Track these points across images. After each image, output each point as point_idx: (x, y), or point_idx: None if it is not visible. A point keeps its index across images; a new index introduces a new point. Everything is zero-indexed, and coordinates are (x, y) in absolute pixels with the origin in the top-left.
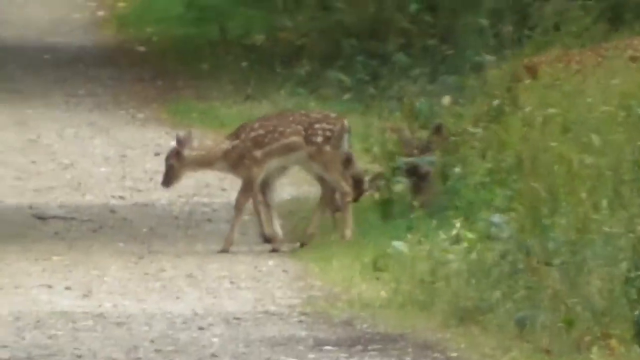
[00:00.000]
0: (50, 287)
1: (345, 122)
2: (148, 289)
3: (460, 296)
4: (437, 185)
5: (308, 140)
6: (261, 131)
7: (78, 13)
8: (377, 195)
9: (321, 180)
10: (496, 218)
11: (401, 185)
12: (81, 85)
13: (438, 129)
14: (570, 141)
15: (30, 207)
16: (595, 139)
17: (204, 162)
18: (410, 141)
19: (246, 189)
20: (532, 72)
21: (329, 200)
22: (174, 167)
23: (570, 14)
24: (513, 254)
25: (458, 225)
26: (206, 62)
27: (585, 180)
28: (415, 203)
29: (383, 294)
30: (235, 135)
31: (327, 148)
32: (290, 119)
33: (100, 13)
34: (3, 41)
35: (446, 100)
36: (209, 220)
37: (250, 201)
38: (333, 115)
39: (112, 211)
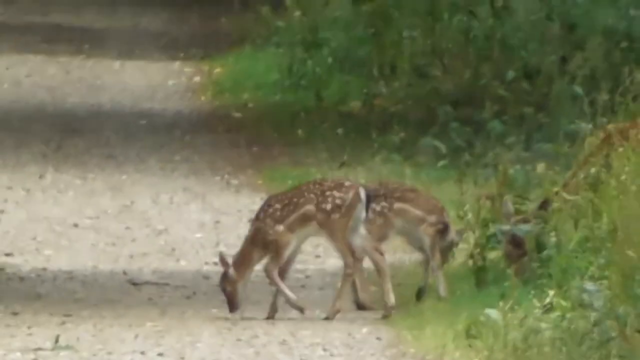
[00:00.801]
0: (143, 353)
1: (361, 190)
2: (241, 356)
3: None
4: (532, 254)
5: (319, 208)
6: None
7: (174, 79)
8: (470, 262)
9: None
10: (589, 286)
11: (495, 252)
12: (177, 151)
13: (544, 204)
14: None
15: (124, 273)
16: None
17: (245, 264)
18: (510, 214)
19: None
20: (624, 136)
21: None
22: (228, 290)
23: None
24: (605, 323)
25: (551, 293)
26: (302, 129)
27: None
28: (509, 271)
29: None
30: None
31: (336, 216)
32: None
33: (197, 79)
34: (99, 107)
35: (541, 167)
36: (303, 286)
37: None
38: (347, 183)
39: (206, 277)
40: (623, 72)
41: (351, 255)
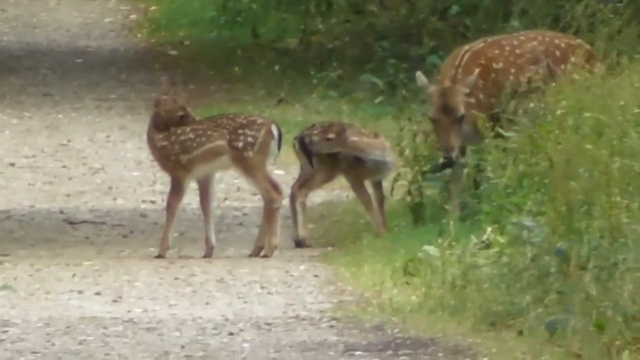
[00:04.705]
0: (80, 292)
1: (274, 127)
2: (178, 294)
3: (491, 301)
4: (469, 190)
5: (231, 145)
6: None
7: (110, 17)
8: (408, 199)
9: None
10: (527, 222)
11: (432, 189)
12: (113, 90)
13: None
14: (603, 144)
15: (61, 212)
16: (630, 140)
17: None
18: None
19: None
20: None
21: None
22: None
23: (601, 16)
24: (544, 258)
25: (489, 229)
26: (238, 66)
27: (618, 183)
28: (447, 207)
29: (414, 298)
30: None
31: (250, 154)
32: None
33: (133, 17)
34: (35, 45)
35: None
36: (240, 224)
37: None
38: (259, 120)
39: (143, 216)
40: (564, 7)
41: (274, 190)
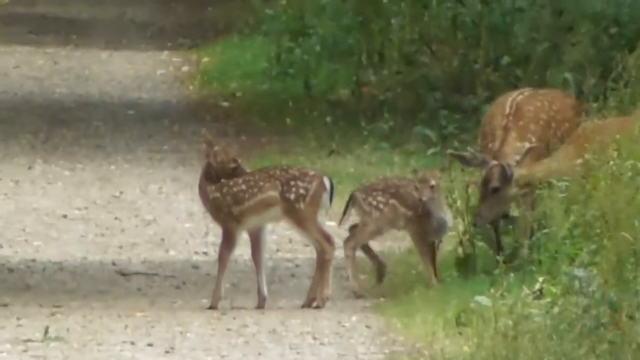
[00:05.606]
0: (133, 343)
1: (325, 180)
2: (231, 345)
3: (543, 351)
4: (522, 240)
5: (283, 197)
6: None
7: (162, 69)
8: (459, 250)
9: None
10: (580, 272)
11: (484, 240)
12: (165, 141)
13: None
14: None
15: (114, 264)
16: None
17: None
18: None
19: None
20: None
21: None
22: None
23: None
24: (596, 308)
25: (541, 280)
26: (290, 118)
27: None
28: (499, 258)
29: (466, 349)
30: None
31: (302, 205)
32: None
33: (185, 69)
34: (87, 97)
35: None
36: (292, 275)
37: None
38: (311, 172)
39: (195, 267)
40: (615, 58)
41: (326, 241)
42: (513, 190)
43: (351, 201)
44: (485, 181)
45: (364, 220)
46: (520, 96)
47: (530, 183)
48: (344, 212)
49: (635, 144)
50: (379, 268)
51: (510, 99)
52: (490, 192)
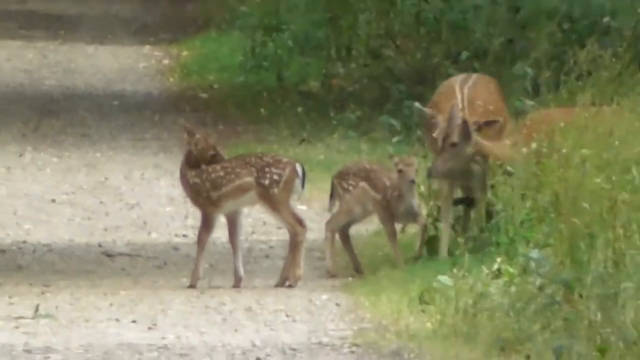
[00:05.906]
0: (117, 320)
1: (298, 166)
2: (209, 322)
3: (501, 327)
4: (481, 224)
5: (258, 182)
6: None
7: (145, 62)
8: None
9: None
10: (535, 253)
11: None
12: (147, 130)
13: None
14: (604, 180)
15: (99, 245)
16: (632, 174)
17: None
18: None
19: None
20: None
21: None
22: None
23: (603, 60)
24: (551, 287)
25: (499, 260)
26: (264, 108)
27: (619, 216)
28: (460, 240)
29: (429, 325)
30: None
31: (275, 190)
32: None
33: (166, 62)
34: (74, 89)
35: None
36: (267, 256)
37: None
38: (285, 159)
39: (176, 249)
40: (567, 53)
41: (299, 224)
42: (470, 149)
43: (332, 188)
44: (446, 136)
45: (340, 203)
46: (467, 89)
47: (485, 154)
48: (330, 198)
49: (582, 132)
50: (355, 263)
51: (458, 88)
52: (449, 146)
